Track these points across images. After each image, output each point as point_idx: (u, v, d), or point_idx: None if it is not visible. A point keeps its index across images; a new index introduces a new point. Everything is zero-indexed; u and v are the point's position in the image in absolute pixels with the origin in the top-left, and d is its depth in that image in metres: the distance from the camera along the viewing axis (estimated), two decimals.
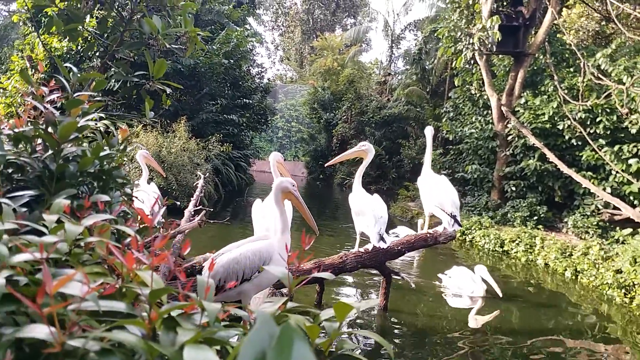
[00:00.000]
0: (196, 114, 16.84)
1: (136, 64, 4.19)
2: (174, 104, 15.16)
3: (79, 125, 1.36)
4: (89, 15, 2.95)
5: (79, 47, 10.50)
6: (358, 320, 5.75)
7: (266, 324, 0.51)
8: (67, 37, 2.68)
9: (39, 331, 0.67)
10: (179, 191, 11.61)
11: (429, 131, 6.60)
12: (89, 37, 3.69)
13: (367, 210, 5.74)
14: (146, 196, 5.13)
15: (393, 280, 6.32)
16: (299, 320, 0.81)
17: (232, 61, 17.75)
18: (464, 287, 7.31)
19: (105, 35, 3.73)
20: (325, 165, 7.91)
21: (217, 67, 17.07)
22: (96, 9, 3.04)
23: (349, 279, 7.76)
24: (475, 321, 6.42)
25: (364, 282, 7.87)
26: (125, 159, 2.29)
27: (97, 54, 10.15)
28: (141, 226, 1.41)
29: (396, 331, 5.87)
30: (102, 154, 1.46)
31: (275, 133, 36.69)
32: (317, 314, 0.84)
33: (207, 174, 12.74)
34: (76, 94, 1.59)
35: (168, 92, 2.71)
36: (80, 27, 2.76)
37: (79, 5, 2.76)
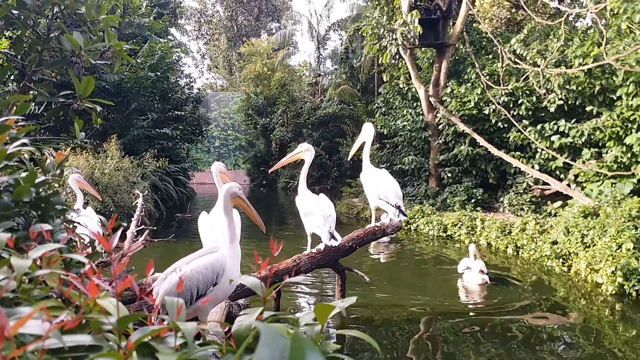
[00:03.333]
0: (126, 130, 16.20)
1: (57, 84, 3.97)
2: (102, 123, 14.51)
3: (8, 152, 1.25)
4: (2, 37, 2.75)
5: None
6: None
7: (272, 337, 0.49)
8: None
9: None
10: (117, 213, 11.11)
11: (368, 128, 6.44)
12: (2, 59, 3.46)
13: (315, 210, 5.74)
14: (89, 221, 4.87)
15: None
16: (280, 328, 0.78)
17: (158, 74, 17.24)
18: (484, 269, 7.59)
19: (20, 56, 3.50)
20: (269, 171, 7.86)
21: (144, 80, 16.51)
22: (9, 29, 2.84)
23: (304, 280, 7.75)
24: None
25: (318, 282, 7.88)
26: (56, 185, 2.15)
27: (12, 77, 9.53)
28: (90, 252, 1.32)
29: (355, 325, 5.92)
30: (37, 180, 1.36)
31: (211, 143, 36.04)
32: (295, 319, 0.82)
33: (146, 191, 12.30)
34: (1, 119, 1.47)
35: (98, 110, 2.58)
36: None
37: None
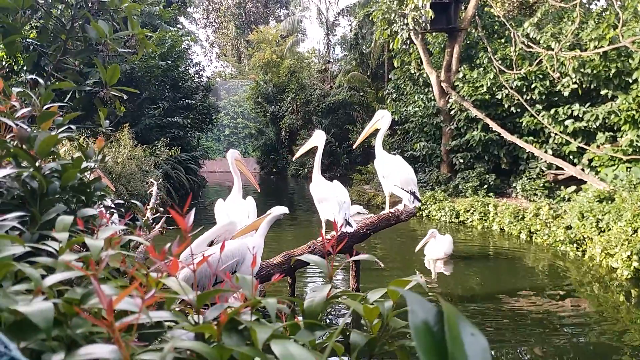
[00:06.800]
0: (138, 120, 16.29)
1: (78, 73, 4.01)
2: (113, 112, 14.60)
3: (58, 137, 1.29)
4: (28, 25, 2.78)
5: (4, 62, 9.84)
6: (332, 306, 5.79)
7: (420, 303, 0.51)
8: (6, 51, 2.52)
9: (101, 351, 0.63)
10: (131, 201, 11.21)
11: (385, 114, 6.33)
12: (27, 48, 3.50)
13: (330, 197, 5.76)
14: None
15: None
16: (353, 304, 0.81)
17: (169, 62, 17.26)
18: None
19: (42, 44, 3.53)
20: (293, 158, 7.90)
21: (155, 69, 16.54)
22: (35, 18, 2.87)
23: (317, 267, 7.80)
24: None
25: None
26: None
27: (25, 67, 9.60)
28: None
29: None
30: (82, 165, 1.39)
31: (221, 131, 36.09)
32: (363, 296, 0.84)
33: (159, 180, 12.40)
34: (46, 106, 1.50)
35: (125, 99, 2.61)
36: (19, 38, 2.60)
37: (16, 16, 2.60)
